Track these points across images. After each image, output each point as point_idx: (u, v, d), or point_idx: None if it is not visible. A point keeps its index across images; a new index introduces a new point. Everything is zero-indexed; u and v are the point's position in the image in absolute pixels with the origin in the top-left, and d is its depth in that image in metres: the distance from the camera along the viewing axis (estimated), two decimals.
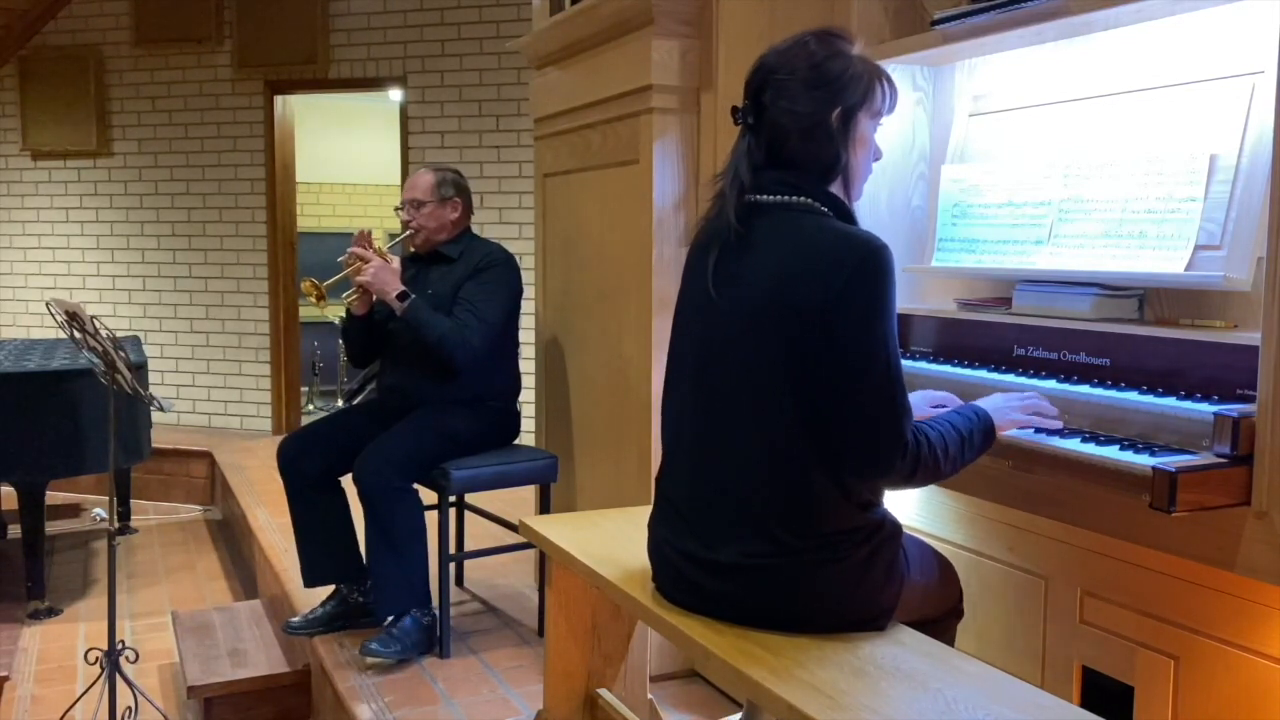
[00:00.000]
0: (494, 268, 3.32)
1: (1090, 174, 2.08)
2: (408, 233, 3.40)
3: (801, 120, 1.71)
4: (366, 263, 3.17)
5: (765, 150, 1.75)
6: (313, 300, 3.19)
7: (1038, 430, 1.88)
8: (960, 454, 1.72)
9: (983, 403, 1.85)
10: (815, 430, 1.66)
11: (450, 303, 3.26)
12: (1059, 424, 1.87)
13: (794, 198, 1.73)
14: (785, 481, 1.67)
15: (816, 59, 1.72)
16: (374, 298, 3.22)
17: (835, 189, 1.76)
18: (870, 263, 1.63)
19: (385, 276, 3.16)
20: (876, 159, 1.83)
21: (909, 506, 2.42)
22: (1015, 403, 1.86)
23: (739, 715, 2.33)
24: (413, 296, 3.16)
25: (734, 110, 1.78)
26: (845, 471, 1.67)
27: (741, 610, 1.73)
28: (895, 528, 1.77)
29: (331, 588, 3.36)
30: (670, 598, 1.85)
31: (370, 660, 3.05)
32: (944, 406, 1.92)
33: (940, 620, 1.90)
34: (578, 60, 3.30)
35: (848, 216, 1.75)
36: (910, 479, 1.69)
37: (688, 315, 1.86)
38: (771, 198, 1.74)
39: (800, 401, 1.65)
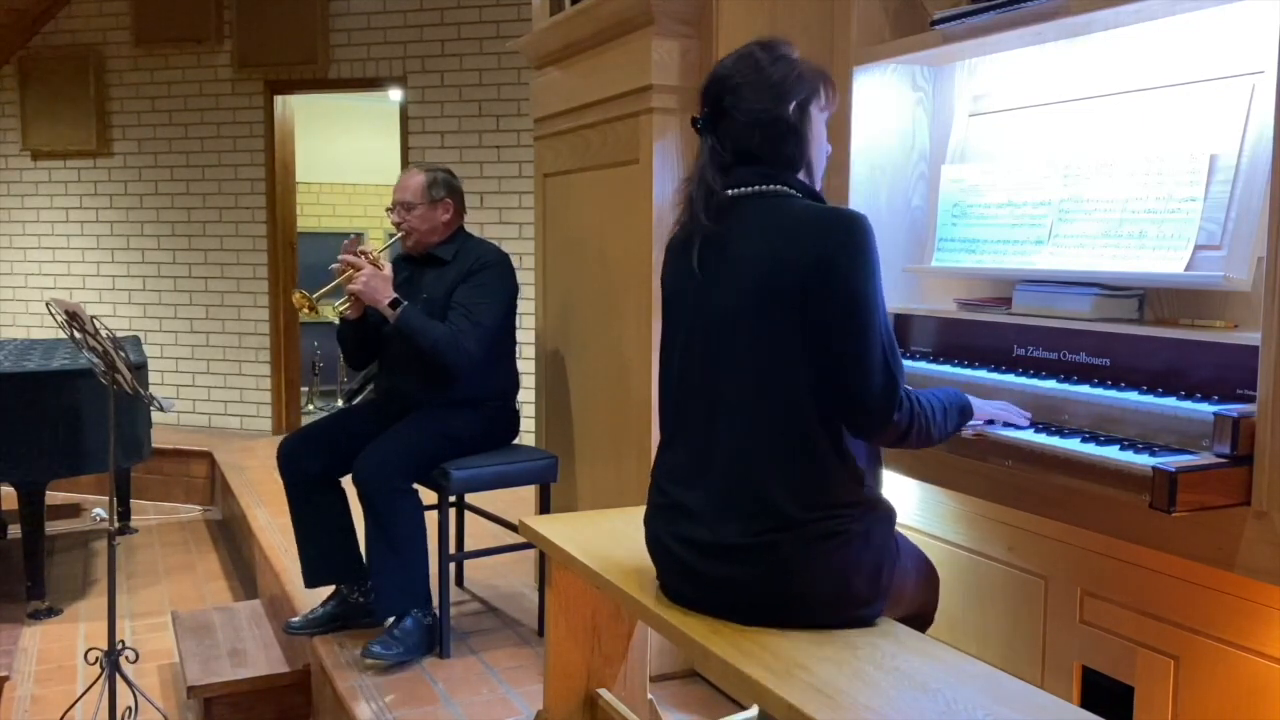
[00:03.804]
0: (487, 269, 3.30)
1: (1090, 174, 2.08)
2: (400, 234, 3.39)
3: (761, 116, 1.82)
4: (358, 270, 3.16)
5: (732, 150, 1.85)
6: (304, 311, 3.21)
7: (1038, 430, 1.89)
8: (945, 422, 1.83)
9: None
10: (820, 396, 1.73)
11: (444, 305, 3.25)
12: (1026, 421, 1.96)
13: (769, 186, 1.83)
14: (790, 450, 1.73)
15: (766, 63, 1.84)
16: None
17: (802, 178, 1.87)
18: (856, 227, 1.74)
19: (376, 284, 3.14)
20: (828, 153, 1.95)
21: (908, 506, 2.42)
22: (988, 404, 1.96)
23: (742, 715, 2.33)
24: (405, 304, 3.15)
25: (694, 120, 1.90)
26: (844, 423, 1.75)
27: (744, 595, 1.75)
28: (890, 511, 1.84)
29: (332, 588, 3.36)
30: (672, 593, 1.86)
31: (371, 662, 3.05)
32: None
33: (910, 621, 1.91)
34: (578, 60, 3.30)
35: (818, 200, 1.86)
36: (906, 435, 1.77)
37: (677, 307, 1.92)
38: (748, 189, 1.83)
39: (810, 366, 1.72)
